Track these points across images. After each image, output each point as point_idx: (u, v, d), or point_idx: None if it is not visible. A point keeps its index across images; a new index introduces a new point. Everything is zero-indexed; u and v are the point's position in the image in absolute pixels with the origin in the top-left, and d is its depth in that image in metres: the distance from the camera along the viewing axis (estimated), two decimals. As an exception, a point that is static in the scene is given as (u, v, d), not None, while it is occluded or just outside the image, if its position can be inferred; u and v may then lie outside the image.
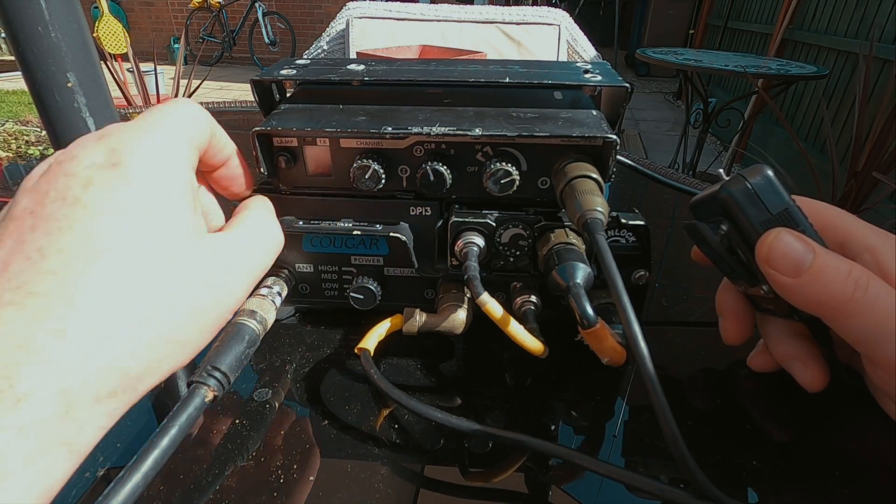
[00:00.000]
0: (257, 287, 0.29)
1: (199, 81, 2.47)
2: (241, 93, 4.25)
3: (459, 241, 0.28)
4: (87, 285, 0.17)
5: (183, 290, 0.20)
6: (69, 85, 0.43)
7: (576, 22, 1.20)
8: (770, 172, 0.22)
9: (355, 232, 0.29)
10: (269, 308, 0.27)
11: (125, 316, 0.18)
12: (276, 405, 0.26)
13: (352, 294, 0.30)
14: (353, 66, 0.32)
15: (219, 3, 5.24)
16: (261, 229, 0.25)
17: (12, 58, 0.44)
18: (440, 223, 0.30)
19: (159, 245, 0.19)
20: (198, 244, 0.21)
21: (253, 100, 0.31)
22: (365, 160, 0.28)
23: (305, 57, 0.62)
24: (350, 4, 1.22)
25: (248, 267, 0.24)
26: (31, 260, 0.17)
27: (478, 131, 0.27)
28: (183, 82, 2.43)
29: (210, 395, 0.21)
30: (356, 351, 0.28)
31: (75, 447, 0.16)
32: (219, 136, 0.25)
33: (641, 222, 0.29)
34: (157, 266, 0.19)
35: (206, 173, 0.26)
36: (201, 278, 0.21)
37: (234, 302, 0.23)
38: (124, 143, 0.20)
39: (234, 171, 0.27)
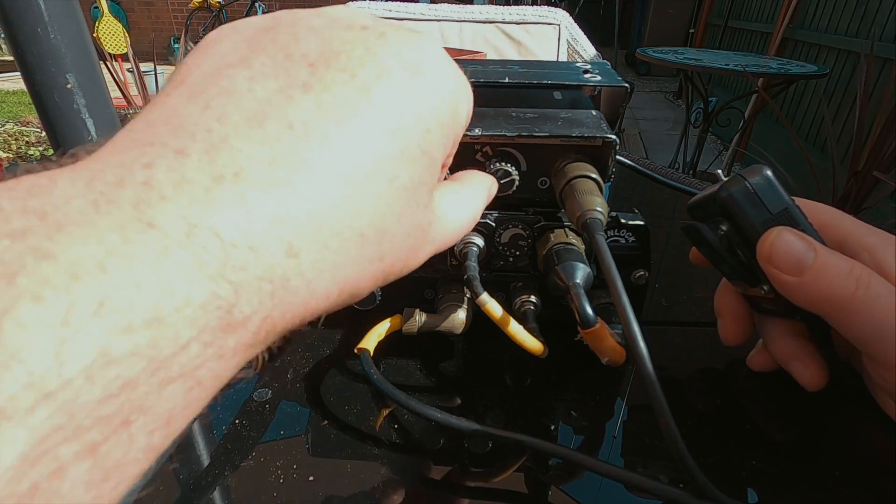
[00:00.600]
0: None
1: (199, 81, 2.47)
2: (241, 93, 4.24)
3: (459, 240, 0.28)
4: (336, 206, 0.14)
5: (395, 249, 0.17)
6: (68, 86, 0.43)
7: (576, 21, 1.20)
8: (769, 172, 0.22)
9: (355, 232, 0.29)
10: (268, 308, 0.27)
11: (347, 255, 0.15)
12: (276, 405, 0.26)
13: (351, 294, 0.30)
14: (352, 67, 0.32)
15: (219, 2, 5.24)
16: (469, 203, 0.22)
17: (12, 58, 0.44)
18: (440, 223, 0.30)
19: (408, 191, 0.16)
20: (430, 206, 0.18)
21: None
22: (364, 160, 0.28)
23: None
24: (350, 4, 1.22)
25: (440, 245, 0.20)
26: (294, 132, 0.14)
27: (477, 131, 0.27)
28: (183, 82, 2.43)
29: (210, 396, 0.21)
30: (356, 351, 0.28)
31: (251, 353, 0.13)
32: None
33: (641, 222, 0.29)
34: (394, 213, 0.16)
35: None
36: (410, 244, 0.17)
37: (404, 272, 0.19)
38: (432, 53, 0.17)
39: None
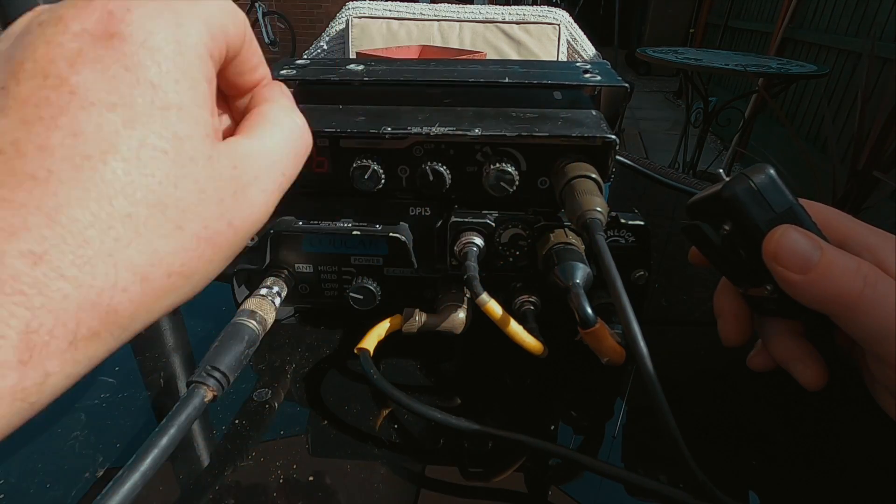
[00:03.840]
0: (257, 287, 0.29)
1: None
2: (241, 93, 4.25)
3: (459, 241, 0.28)
4: (74, 199, 0.14)
5: (191, 213, 0.16)
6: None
7: (576, 21, 1.20)
8: (773, 171, 0.22)
9: (355, 232, 0.29)
10: (268, 308, 0.27)
11: (118, 241, 0.14)
12: (276, 405, 0.26)
13: (351, 294, 0.30)
14: (352, 66, 0.32)
15: (219, 2, 5.23)
16: (286, 128, 0.21)
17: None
18: (440, 223, 0.30)
19: (167, 154, 0.15)
20: (214, 155, 0.17)
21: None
22: (364, 160, 0.28)
23: (305, 57, 0.62)
24: (350, 4, 1.22)
25: (273, 180, 0.19)
26: (5, 154, 0.13)
27: (477, 131, 0.27)
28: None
29: (209, 395, 0.21)
30: (356, 351, 0.28)
31: (32, 400, 0.13)
32: (253, 51, 0.20)
33: (641, 222, 0.29)
34: (163, 181, 0.15)
35: (230, 98, 0.22)
36: (216, 197, 0.17)
37: (252, 225, 0.19)
38: (125, 5, 0.15)
39: None
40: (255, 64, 0.21)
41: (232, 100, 0.22)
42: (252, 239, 0.29)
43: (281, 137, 0.20)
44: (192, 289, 0.17)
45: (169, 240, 0.15)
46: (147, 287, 0.15)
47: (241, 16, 0.19)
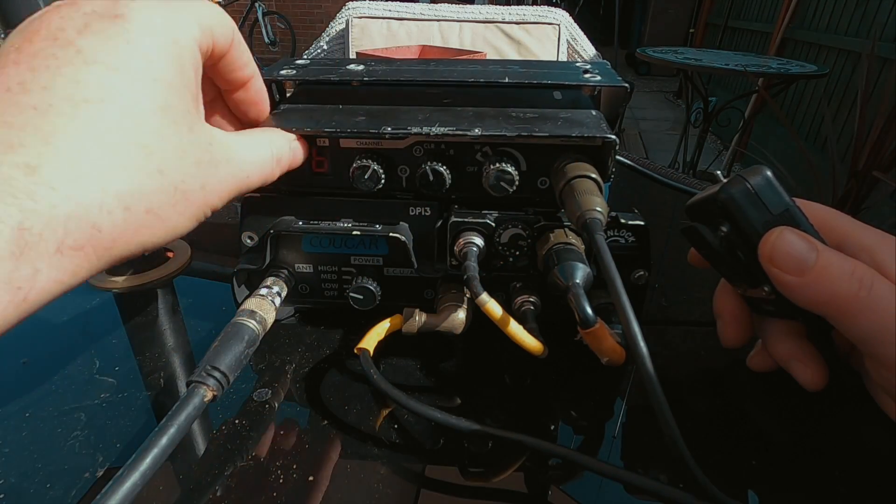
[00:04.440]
0: (257, 287, 0.29)
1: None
2: (241, 93, 4.24)
3: (459, 241, 0.28)
4: (69, 129, 0.16)
5: (172, 164, 0.19)
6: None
7: (576, 21, 1.20)
8: (770, 173, 0.22)
9: (355, 232, 0.29)
10: (268, 308, 0.27)
11: (106, 170, 0.17)
12: (276, 405, 0.26)
13: (351, 294, 0.30)
14: (352, 66, 0.32)
15: (219, 3, 5.24)
16: (264, 148, 0.25)
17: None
18: (440, 223, 0.30)
19: (155, 114, 0.18)
20: (196, 128, 0.20)
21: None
22: (364, 160, 0.28)
23: (305, 57, 0.62)
24: (350, 4, 1.22)
25: (238, 171, 0.23)
26: (11, 91, 0.16)
27: (477, 131, 0.27)
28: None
29: (209, 395, 0.21)
30: (356, 351, 0.28)
31: (23, 292, 0.15)
32: (241, 51, 0.24)
33: (641, 222, 0.29)
34: (151, 133, 0.18)
35: (226, 93, 0.26)
36: (194, 158, 0.20)
37: (217, 198, 0.21)
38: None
39: (254, 95, 0.26)
40: (244, 62, 0.24)
41: (227, 94, 0.26)
42: (252, 239, 0.29)
43: (256, 149, 0.24)
44: (164, 232, 0.19)
45: (151, 180, 0.18)
46: (128, 216, 0.17)
47: (228, 20, 0.22)
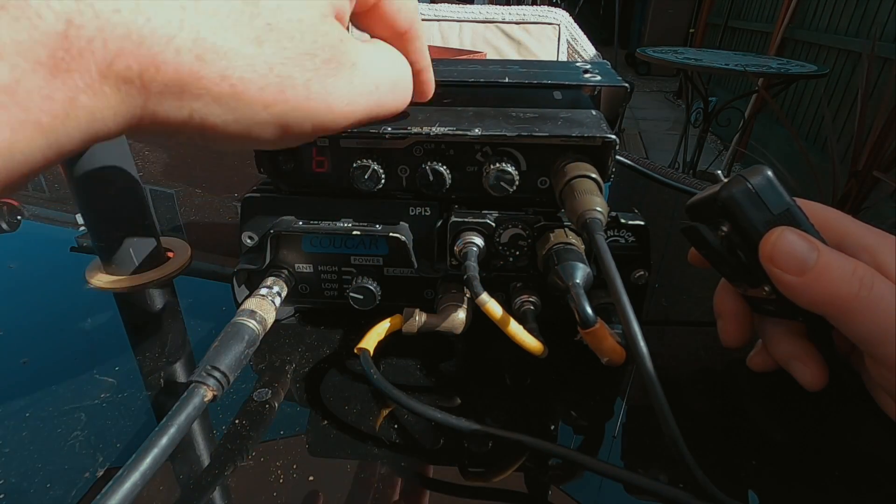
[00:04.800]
0: (257, 287, 0.29)
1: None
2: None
3: (459, 241, 0.28)
4: None
5: (276, 41, 0.15)
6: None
7: (576, 21, 1.20)
8: (770, 172, 0.22)
9: (355, 232, 0.29)
10: (268, 308, 0.27)
11: (194, 2, 0.14)
12: (276, 405, 0.26)
13: (351, 294, 0.30)
14: (352, 66, 0.32)
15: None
16: (401, 65, 0.21)
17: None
18: (440, 223, 0.30)
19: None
20: (329, 17, 0.17)
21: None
22: (364, 160, 0.28)
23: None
24: (350, 4, 1.22)
25: (368, 84, 0.19)
26: None
27: (477, 131, 0.27)
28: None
29: (209, 395, 0.21)
30: (356, 351, 0.28)
31: (59, 120, 0.12)
32: None
33: (641, 222, 0.29)
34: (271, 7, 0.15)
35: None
36: (308, 48, 0.16)
37: (324, 110, 0.17)
38: None
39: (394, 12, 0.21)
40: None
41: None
42: (252, 238, 0.29)
43: (392, 64, 0.21)
44: (232, 119, 0.15)
45: (243, 44, 0.14)
46: (199, 68, 0.14)
47: None
